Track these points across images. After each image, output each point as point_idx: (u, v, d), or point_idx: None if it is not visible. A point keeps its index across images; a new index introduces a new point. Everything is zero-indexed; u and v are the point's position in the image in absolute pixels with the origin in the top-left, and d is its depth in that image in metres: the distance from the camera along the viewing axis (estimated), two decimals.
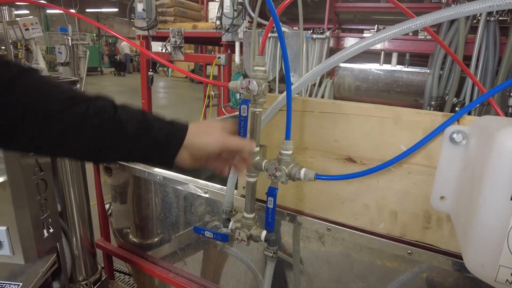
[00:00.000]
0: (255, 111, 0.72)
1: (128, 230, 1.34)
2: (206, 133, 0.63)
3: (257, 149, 0.76)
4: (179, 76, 14.40)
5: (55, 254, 0.96)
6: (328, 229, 0.79)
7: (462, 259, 0.67)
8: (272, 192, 0.72)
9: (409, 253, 0.72)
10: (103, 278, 1.19)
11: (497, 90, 0.61)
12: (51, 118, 0.50)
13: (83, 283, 1.12)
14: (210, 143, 0.63)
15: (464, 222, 0.54)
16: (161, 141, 0.60)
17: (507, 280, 0.45)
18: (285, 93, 0.74)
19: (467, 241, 0.49)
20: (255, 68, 0.70)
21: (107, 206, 1.37)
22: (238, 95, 3.62)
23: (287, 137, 0.72)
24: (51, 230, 0.94)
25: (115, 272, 2.06)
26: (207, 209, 1.05)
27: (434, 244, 0.70)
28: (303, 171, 0.71)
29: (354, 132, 0.73)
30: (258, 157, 0.76)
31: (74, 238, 1.12)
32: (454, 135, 0.61)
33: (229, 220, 0.83)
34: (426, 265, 0.72)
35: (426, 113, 0.66)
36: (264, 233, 0.78)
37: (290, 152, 0.72)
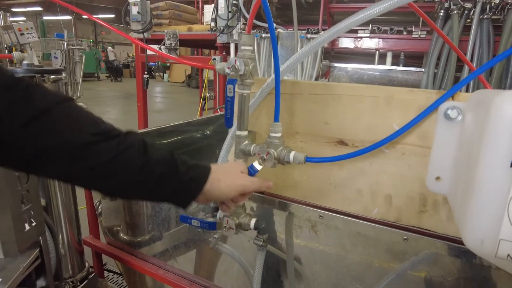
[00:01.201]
0: (243, 93, 0.70)
1: (118, 228, 1.30)
2: (226, 180, 0.63)
3: (245, 133, 0.73)
4: (176, 81, 14.42)
5: (38, 249, 0.92)
6: (320, 216, 0.76)
7: (460, 244, 0.64)
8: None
9: (405, 239, 0.69)
10: (91, 276, 1.15)
11: (487, 66, 0.58)
12: (81, 150, 0.50)
13: (69, 280, 1.08)
14: (228, 192, 0.63)
15: (461, 200, 0.51)
16: (184, 185, 0.59)
17: (509, 255, 0.42)
18: (273, 75, 0.72)
19: (465, 218, 0.46)
20: (242, 47, 0.68)
21: (96, 205, 1.33)
22: None
23: (276, 118, 0.69)
24: (34, 224, 0.90)
25: (107, 273, 2.01)
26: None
27: (431, 229, 0.67)
28: (292, 154, 0.68)
29: (345, 113, 0.70)
30: (246, 142, 0.73)
31: (60, 234, 1.08)
32: (449, 111, 0.58)
33: (217, 209, 0.80)
34: (423, 251, 0.69)
35: (419, 91, 0.63)
36: (253, 221, 0.75)
37: (279, 134, 0.69)
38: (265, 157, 0.68)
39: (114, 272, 2.01)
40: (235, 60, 0.65)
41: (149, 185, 0.56)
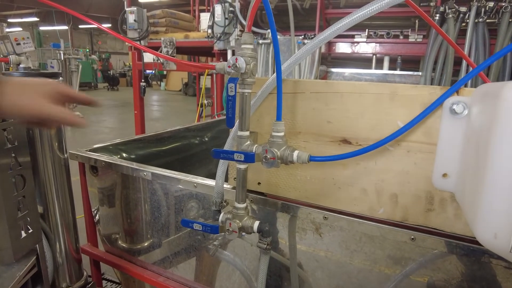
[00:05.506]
0: (244, 92, 0.69)
1: (117, 236, 1.28)
2: (22, 98, 0.56)
3: (247, 133, 0.72)
4: (173, 89, 14.44)
5: (35, 257, 0.90)
6: (325, 217, 0.74)
7: (468, 242, 0.63)
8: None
9: (412, 238, 0.67)
10: (88, 285, 1.12)
11: (487, 63, 0.58)
12: None
13: None
14: (24, 109, 0.56)
15: (472, 195, 0.50)
16: None
17: None
18: (275, 75, 0.71)
19: (477, 213, 0.45)
20: (243, 46, 0.67)
21: (94, 212, 1.31)
22: None
23: (278, 117, 0.68)
24: (30, 231, 0.87)
25: (105, 282, 1.97)
26: (198, 205, 1.00)
27: (439, 228, 0.66)
28: (296, 153, 0.67)
29: (348, 111, 0.69)
30: (248, 142, 0.72)
31: (57, 242, 1.05)
32: (455, 106, 0.58)
33: (219, 211, 0.78)
34: (431, 251, 0.67)
35: (423, 87, 0.62)
36: (256, 223, 0.73)
37: (282, 133, 0.68)
38: (267, 156, 0.66)
39: (113, 281, 1.98)
40: (236, 59, 0.65)
41: None
